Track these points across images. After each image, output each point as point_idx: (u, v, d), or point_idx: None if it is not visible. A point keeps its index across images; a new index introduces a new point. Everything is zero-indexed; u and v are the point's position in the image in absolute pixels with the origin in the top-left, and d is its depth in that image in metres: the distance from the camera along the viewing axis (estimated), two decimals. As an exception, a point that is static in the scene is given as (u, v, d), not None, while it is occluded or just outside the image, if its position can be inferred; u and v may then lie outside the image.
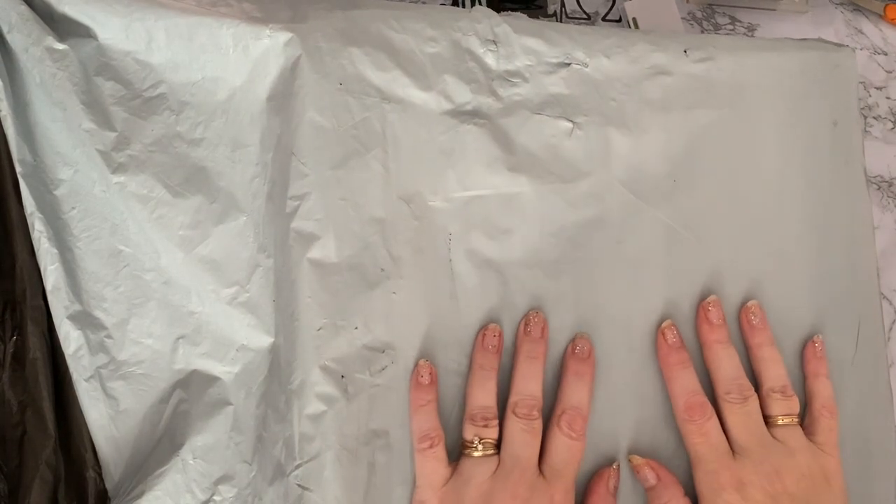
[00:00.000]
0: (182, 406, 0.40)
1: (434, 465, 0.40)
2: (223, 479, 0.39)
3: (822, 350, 0.45)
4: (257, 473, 0.39)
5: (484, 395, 0.41)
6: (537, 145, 0.43)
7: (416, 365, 0.41)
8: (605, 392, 0.43)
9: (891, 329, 0.55)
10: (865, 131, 0.61)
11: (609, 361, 0.43)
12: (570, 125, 0.43)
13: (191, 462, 0.39)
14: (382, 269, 0.41)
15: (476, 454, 0.40)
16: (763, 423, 0.42)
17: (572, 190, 0.44)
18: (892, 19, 0.64)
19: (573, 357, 0.42)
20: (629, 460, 0.43)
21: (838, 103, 0.47)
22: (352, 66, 0.41)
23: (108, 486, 0.40)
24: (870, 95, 0.62)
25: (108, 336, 0.40)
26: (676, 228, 0.44)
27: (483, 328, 0.42)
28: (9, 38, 0.38)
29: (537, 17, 0.51)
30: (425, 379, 0.41)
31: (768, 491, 0.40)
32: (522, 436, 0.40)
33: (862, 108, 0.61)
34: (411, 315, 0.42)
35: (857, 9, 0.64)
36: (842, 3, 0.64)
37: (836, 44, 0.48)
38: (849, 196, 0.46)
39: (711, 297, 0.44)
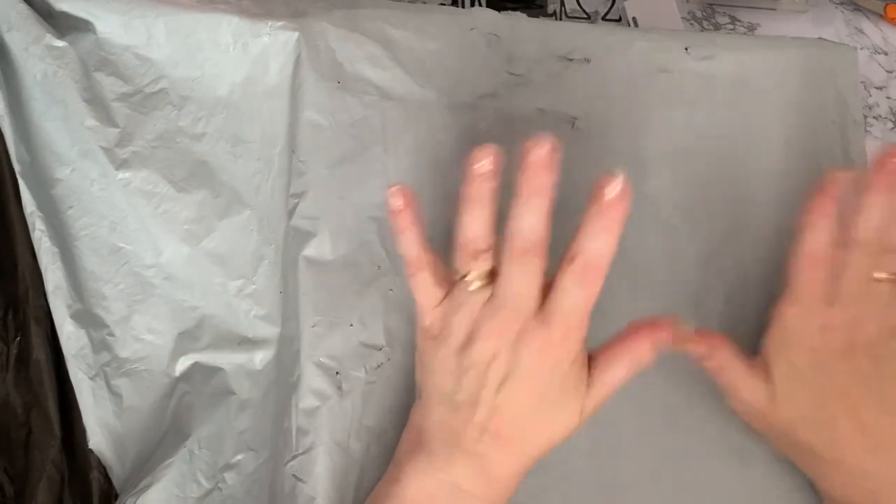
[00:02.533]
0: (186, 398, 0.40)
1: (423, 289, 0.36)
2: (227, 466, 0.39)
3: None
4: (261, 462, 0.39)
5: (478, 226, 0.35)
6: None
7: (389, 192, 0.36)
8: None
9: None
10: (866, 131, 0.60)
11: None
12: (570, 122, 0.43)
13: (197, 452, 0.39)
14: (378, 267, 0.41)
15: (471, 288, 0.35)
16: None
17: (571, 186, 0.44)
18: (893, 19, 0.64)
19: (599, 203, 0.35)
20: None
21: (838, 102, 0.47)
22: (351, 65, 0.41)
23: (116, 483, 0.40)
24: (870, 95, 0.62)
25: (110, 334, 0.40)
26: (675, 224, 0.44)
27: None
28: (7, 37, 0.39)
29: (537, 17, 0.51)
30: (399, 204, 0.36)
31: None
32: (520, 274, 0.35)
33: (862, 108, 0.61)
34: (407, 312, 0.41)
35: (857, 8, 0.64)
36: (842, 3, 0.64)
37: (836, 43, 0.48)
38: None
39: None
